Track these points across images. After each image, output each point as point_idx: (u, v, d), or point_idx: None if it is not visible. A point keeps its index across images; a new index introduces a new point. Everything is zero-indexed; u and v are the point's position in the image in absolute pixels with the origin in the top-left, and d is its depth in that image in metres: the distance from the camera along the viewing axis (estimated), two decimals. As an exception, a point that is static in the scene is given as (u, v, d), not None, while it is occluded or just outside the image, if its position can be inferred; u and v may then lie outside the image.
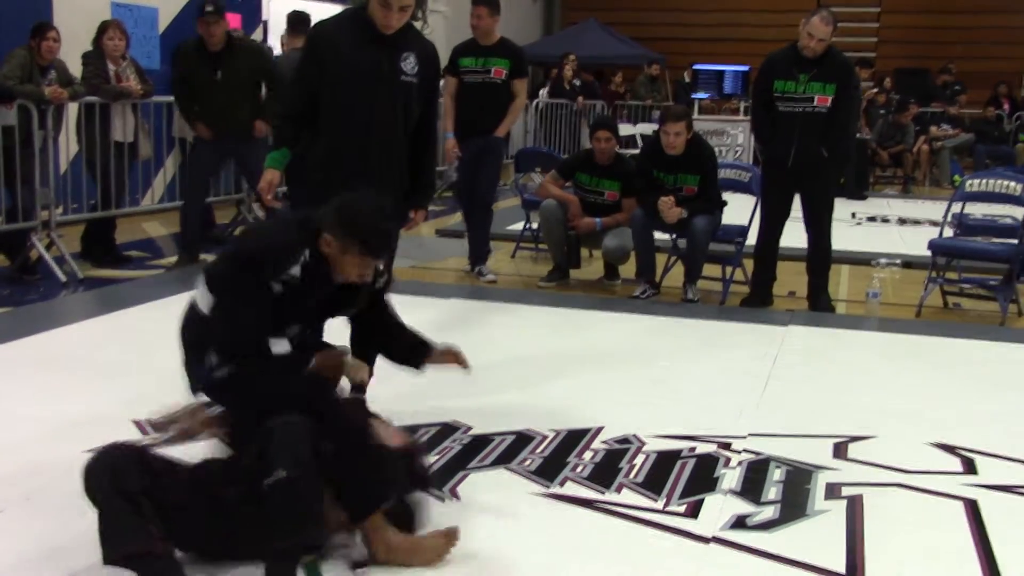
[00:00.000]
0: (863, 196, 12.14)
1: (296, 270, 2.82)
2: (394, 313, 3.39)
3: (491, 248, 7.20)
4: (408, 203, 3.80)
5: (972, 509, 3.26)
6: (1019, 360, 5.25)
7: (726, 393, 4.42)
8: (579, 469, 3.47)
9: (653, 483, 3.37)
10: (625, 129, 13.80)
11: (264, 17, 11.60)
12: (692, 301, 6.27)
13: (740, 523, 3.09)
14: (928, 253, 6.49)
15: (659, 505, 3.20)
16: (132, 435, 3.66)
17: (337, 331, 3.92)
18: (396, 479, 2.84)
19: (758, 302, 6.27)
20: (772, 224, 6.17)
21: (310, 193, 3.72)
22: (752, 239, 6.37)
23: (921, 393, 4.57)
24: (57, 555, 2.76)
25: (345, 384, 3.20)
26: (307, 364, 2.96)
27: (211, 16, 6.64)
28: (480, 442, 3.70)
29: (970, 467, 3.64)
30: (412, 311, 5.50)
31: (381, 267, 3.13)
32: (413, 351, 3.36)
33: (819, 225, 6.10)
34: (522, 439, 3.74)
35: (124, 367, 4.49)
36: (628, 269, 6.83)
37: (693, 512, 3.16)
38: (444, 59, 7.15)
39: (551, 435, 3.79)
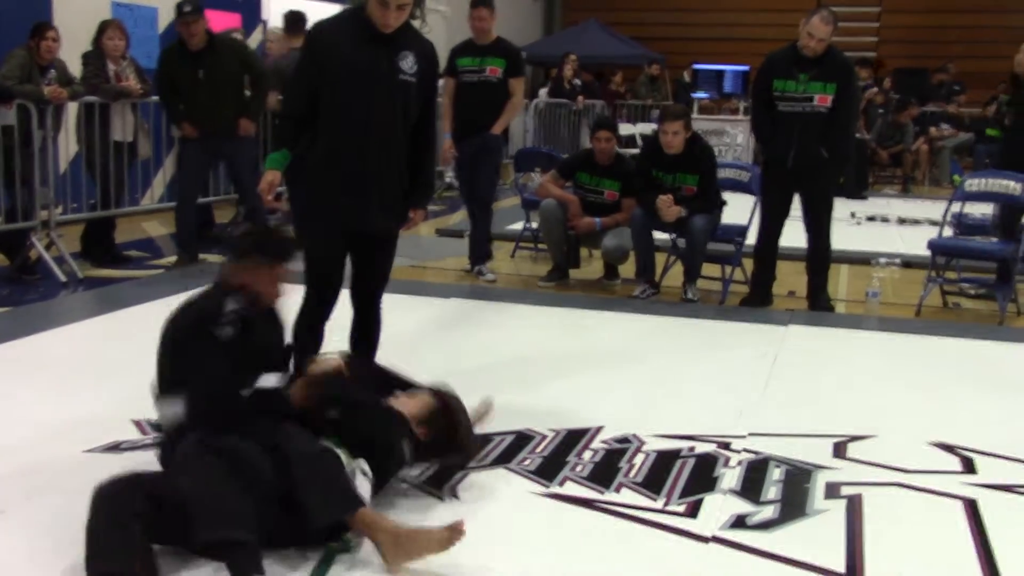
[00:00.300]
0: (863, 196, 12.14)
1: (231, 305, 2.93)
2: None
3: (491, 251, 7.19)
4: (407, 202, 3.78)
5: (971, 508, 3.26)
6: (1018, 359, 5.25)
7: (726, 393, 4.42)
8: (579, 469, 3.48)
9: (653, 483, 3.37)
10: (625, 129, 13.82)
11: (264, 17, 11.60)
12: (692, 301, 6.27)
13: (740, 522, 3.09)
14: (927, 253, 6.49)
15: (659, 505, 3.20)
16: (132, 435, 3.66)
17: (337, 330, 3.93)
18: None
19: (758, 302, 6.27)
20: (772, 224, 6.16)
21: (309, 193, 3.73)
22: (752, 239, 6.37)
23: (921, 393, 4.57)
24: (57, 555, 2.76)
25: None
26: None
27: (189, 16, 6.64)
28: (480, 442, 3.69)
29: (969, 466, 3.65)
30: (412, 311, 5.54)
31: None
32: None
33: (819, 225, 6.09)
34: (522, 439, 3.74)
35: (124, 367, 4.47)
36: (628, 269, 6.83)
37: (693, 512, 3.16)
38: (443, 59, 7.20)
39: (551, 435, 3.79)
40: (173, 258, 7.18)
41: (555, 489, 3.30)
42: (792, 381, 4.66)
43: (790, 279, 6.52)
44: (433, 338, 5.23)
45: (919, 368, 5.01)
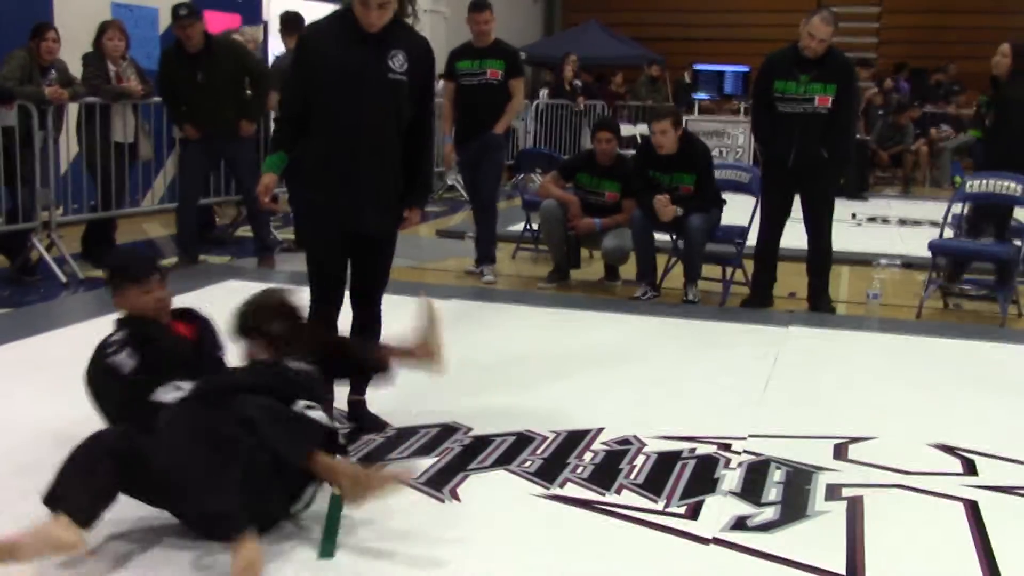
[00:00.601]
0: (863, 197, 12.14)
1: (118, 336, 3.16)
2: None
3: (495, 255, 7.20)
4: (403, 202, 3.76)
5: (972, 510, 3.26)
6: (1019, 361, 5.25)
7: (726, 394, 4.42)
8: (579, 470, 3.47)
9: (653, 484, 3.37)
10: (626, 130, 13.80)
11: (264, 17, 11.60)
12: (692, 302, 6.27)
13: (740, 524, 3.09)
14: (928, 254, 6.49)
15: (659, 506, 3.20)
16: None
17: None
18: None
19: (758, 303, 6.27)
20: (772, 225, 6.16)
21: (305, 194, 3.75)
22: (752, 240, 6.37)
23: (921, 394, 4.56)
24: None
25: None
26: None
27: (186, 19, 6.66)
28: (480, 443, 3.70)
29: (970, 468, 3.64)
30: (412, 312, 5.53)
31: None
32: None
33: (819, 226, 6.09)
34: (522, 440, 3.74)
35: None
36: (628, 270, 6.83)
37: (693, 513, 3.16)
38: (443, 58, 7.21)
39: (551, 436, 3.78)
40: (174, 259, 7.17)
41: (556, 491, 3.30)
42: (793, 382, 4.66)
43: (791, 280, 6.52)
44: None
45: (920, 369, 5.01)
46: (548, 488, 3.31)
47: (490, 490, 3.30)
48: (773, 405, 4.29)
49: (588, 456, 3.61)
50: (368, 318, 3.90)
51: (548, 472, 3.44)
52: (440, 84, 12.16)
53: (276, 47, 10.29)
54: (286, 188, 3.89)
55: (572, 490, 3.31)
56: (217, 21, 10.46)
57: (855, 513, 3.20)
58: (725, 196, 6.53)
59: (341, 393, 3.80)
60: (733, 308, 6.28)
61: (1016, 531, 3.13)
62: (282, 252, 7.41)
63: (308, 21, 8.16)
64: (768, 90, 6.03)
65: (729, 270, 6.59)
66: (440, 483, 3.32)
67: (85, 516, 2.67)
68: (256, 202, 6.80)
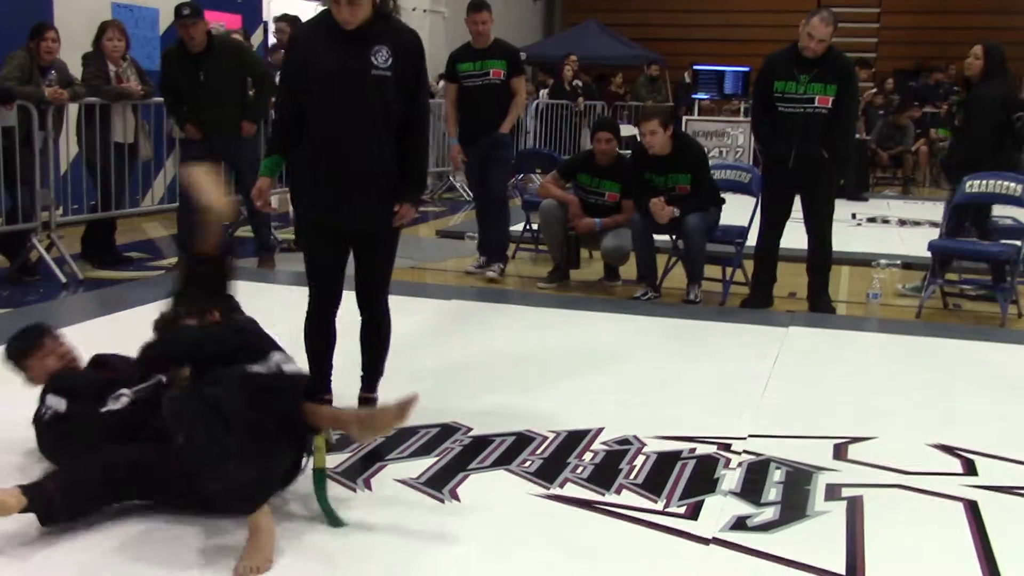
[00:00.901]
0: (863, 197, 12.14)
1: (47, 402, 3.29)
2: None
3: (507, 254, 7.23)
4: (394, 198, 3.71)
5: (972, 510, 3.26)
6: (1019, 361, 5.24)
7: (726, 394, 4.42)
8: (579, 470, 3.47)
9: (653, 484, 3.37)
10: (626, 130, 13.79)
11: (265, 18, 11.61)
12: (694, 302, 6.27)
13: (740, 524, 3.09)
14: (928, 254, 6.49)
15: (659, 506, 3.20)
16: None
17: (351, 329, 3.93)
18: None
19: (758, 303, 6.27)
20: (772, 225, 6.16)
21: (299, 194, 3.79)
22: (752, 240, 6.37)
23: (921, 394, 4.56)
24: (56, 555, 2.76)
25: None
26: None
27: (188, 19, 6.64)
28: (480, 443, 3.70)
29: (970, 468, 3.64)
30: (412, 312, 5.54)
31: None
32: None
33: (819, 226, 6.09)
34: (522, 440, 3.74)
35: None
36: (628, 270, 6.83)
37: (693, 513, 3.16)
38: (444, 59, 7.22)
39: (551, 436, 3.78)
40: (174, 259, 7.18)
41: (555, 491, 3.30)
42: (793, 382, 4.66)
43: (791, 280, 6.52)
44: (433, 339, 5.23)
45: (920, 369, 5.01)
46: (548, 488, 3.31)
47: (490, 490, 3.30)
48: (773, 405, 4.29)
49: (588, 456, 3.61)
50: (372, 318, 3.90)
51: (548, 472, 3.44)
52: (441, 84, 12.23)
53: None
54: (287, 189, 3.90)
55: (572, 490, 3.31)
56: (219, 21, 10.46)
57: (855, 513, 3.20)
58: (725, 196, 6.53)
59: (344, 391, 3.80)
60: (733, 308, 6.28)
61: (1016, 531, 3.13)
62: (282, 252, 7.41)
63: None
64: (768, 90, 6.03)
65: (729, 270, 6.59)
66: (440, 483, 3.32)
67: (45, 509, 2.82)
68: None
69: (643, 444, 3.74)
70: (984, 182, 6.52)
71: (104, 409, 3.18)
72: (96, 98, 7.06)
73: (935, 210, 9.42)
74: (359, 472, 3.36)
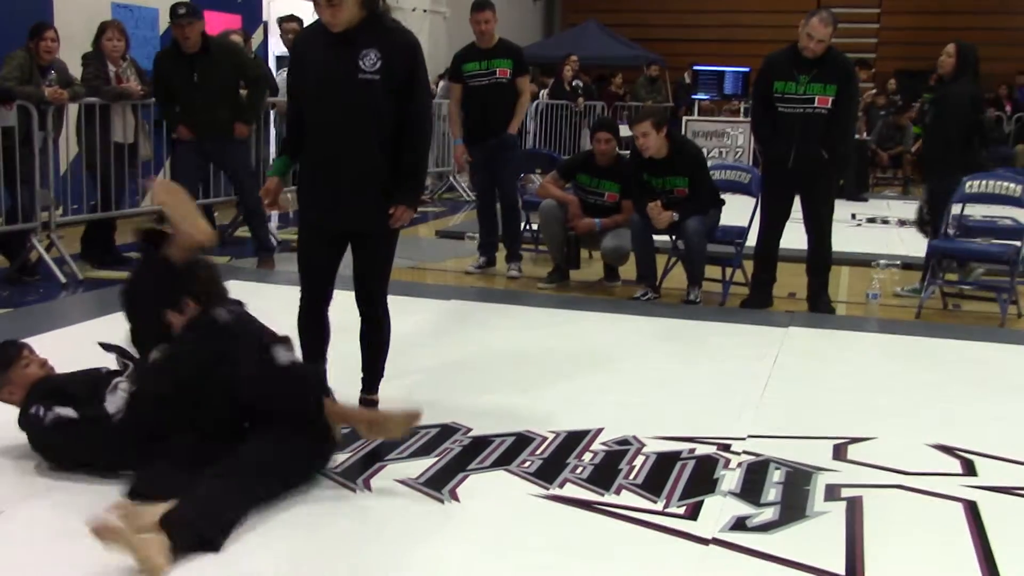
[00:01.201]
0: (863, 198, 12.14)
1: (33, 411, 3.29)
2: None
3: (520, 252, 7.27)
4: (390, 199, 3.72)
5: (971, 511, 3.26)
6: (1018, 361, 5.25)
7: (726, 394, 4.42)
8: (579, 471, 3.47)
9: (653, 485, 3.37)
10: (625, 130, 13.79)
11: (264, 18, 11.61)
12: (693, 303, 6.27)
13: (740, 524, 3.09)
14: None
15: (659, 507, 3.20)
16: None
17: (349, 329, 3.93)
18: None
19: (758, 303, 6.27)
20: (772, 225, 6.16)
21: (302, 195, 3.85)
22: (752, 240, 6.37)
23: (921, 394, 4.56)
24: (57, 555, 2.76)
25: None
26: None
27: (184, 19, 6.64)
28: (480, 443, 3.70)
29: (969, 468, 3.64)
30: (411, 312, 5.55)
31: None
32: None
33: (819, 226, 6.09)
34: (522, 440, 3.74)
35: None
36: (628, 270, 6.83)
37: (693, 514, 3.16)
38: (444, 59, 7.23)
39: (551, 436, 3.78)
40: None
41: (555, 491, 3.30)
42: (792, 383, 4.66)
43: (790, 281, 6.52)
44: (433, 340, 5.23)
45: (919, 370, 5.01)
46: (547, 488, 3.31)
47: (490, 491, 3.29)
48: (772, 405, 4.29)
49: (587, 456, 3.61)
50: (373, 317, 3.92)
51: (547, 472, 3.44)
52: (441, 85, 12.23)
53: (278, 48, 10.30)
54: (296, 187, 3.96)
55: (571, 490, 3.30)
56: (218, 22, 10.45)
57: (854, 513, 3.20)
58: (725, 197, 6.52)
59: (345, 392, 3.80)
60: (733, 308, 6.28)
61: (1015, 531, 3.12)
62: (283, 252, 7.40)
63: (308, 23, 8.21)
64: (768, 90, 6.03)
65: (729, 270, 6.59)
66: (440, 483, 3.32)
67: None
68: (252, 202, 6.82)
69: (643, 444, 3.73)
70: (984, 182, 6.52)
71: (105, 404, 3.21)
72: (96, 98, 7.06)
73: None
74: (358, 472, 3.36)
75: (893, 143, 13.64)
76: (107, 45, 7.18)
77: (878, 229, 10.00)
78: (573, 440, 3.76)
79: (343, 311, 3.90)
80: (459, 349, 5.06)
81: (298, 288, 3.87)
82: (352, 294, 3.88)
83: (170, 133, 7.12)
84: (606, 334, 5.50)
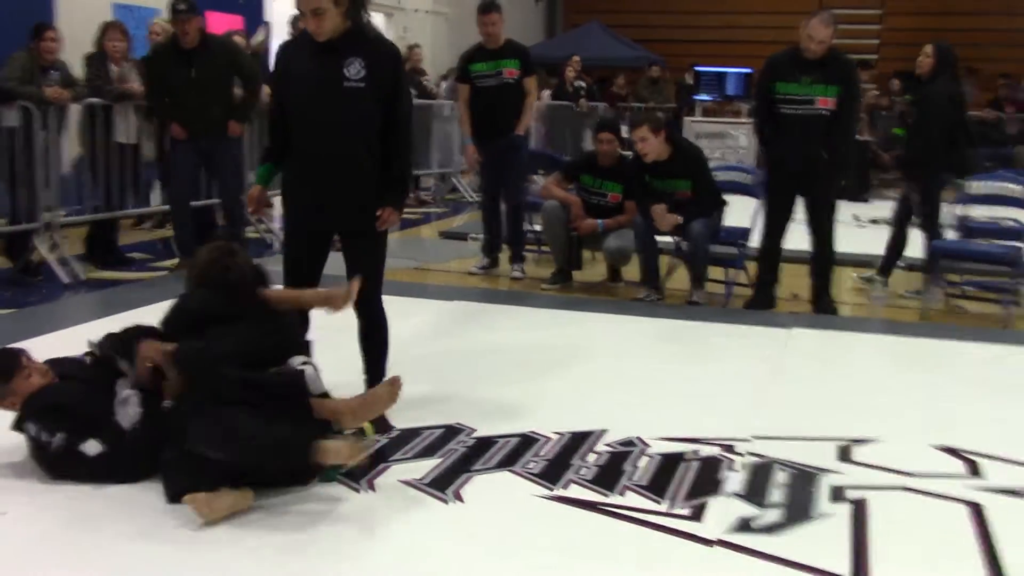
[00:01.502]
0: (864, 198, 12.13)
1: (31, 429, 3.27)
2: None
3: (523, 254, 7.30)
4: (375, 200, 3.79)
5: (976, 512, 3.26)
6: (1023, 362, 5.24)
7: (729, 396, 4.42)
8: (583, 472, 3.47)
9: (657, 486, 3.37)
10: (627, 131, 13.80)
11: (266, 18, 11.61)
12: (697, 304, 6.27)
13: (744, 526, 3.09)
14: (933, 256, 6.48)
15: (663, 508, 3.20)
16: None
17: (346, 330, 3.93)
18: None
19: (761, 304, 6.26)
20: (775, 226, 6.16)
21: (288, 197, 3.95)
22: (755, 241, 6.37)
23: (925, 395, 4.56)
24: (60, 556, 2.76)
25: None
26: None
27: (183, 14, 6.61)
28: (484, 444, 3.69)
29: (974, 470, 3.64)
30: (415, 313, 5.55)
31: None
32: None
33: (822, 227, 6.09)
34: (526, 441, 3.73)
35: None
36: (630, 271, 6.82)
37: (697, 515, 3.16)
38: (447, 60, 7.24)
39: (555, 437, 3.78)
40: (175, 260, 7.17)
41: (559, 492, 3.29)
42: (796, 384, 4.66)
43: (793, 282, 6.51)
44: (436, 340, 5.23)
45: (923, 371, 5.01)
46: (552, 489, 3.31)
47: (494, 491, 3.29)
48: (776, 407, 4.29)
49: (592, 457, 3.61)
50: (366, 318, 3.94)
51: (552, 473, 3.44)
52: (443, 86, 12.22)
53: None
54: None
55: (576, 491, 3.30)
56: (220, 22, 10.48)
57: (859, 515, 3.19)
58: (727, 198, 6.52)
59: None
60: (736, 309, 6.28)
61: (1020, 533, 3.12)
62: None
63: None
64: (770, 92, 6.03)
65: (732, 271, 6.58)
66: (444, 484, 3.31)
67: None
68: (232, 204, 6.80)
69: (647, 445, 3.73)
70: (986, 183, 6.52)
71: (117, 419, 3.22)
72: (98, 99, 7.05)
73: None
74: (363, 473, 3.36)
75: (894, 144, 13.62)
76: (109, 46, 7.18)
77: (881, 230, 9.94)
78: (577, 441, 3.75)
79: (344, 314, 3.89)
80: (462, 350, 5.05)
81: None
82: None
83: (162, 127, 7.05)
84: (610, 335, 5.49)
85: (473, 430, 3.83)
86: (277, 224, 8.47)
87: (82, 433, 3.17)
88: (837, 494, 3.36)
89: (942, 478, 3.53)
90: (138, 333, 3.42)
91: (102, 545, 2.82)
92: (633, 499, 3.26)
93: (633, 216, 6.42)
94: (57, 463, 3.20)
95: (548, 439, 3.76)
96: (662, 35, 18.92)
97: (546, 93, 14.29)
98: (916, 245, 6.82)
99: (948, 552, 2.99)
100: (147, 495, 3.11)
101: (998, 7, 17.89)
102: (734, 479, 3.45)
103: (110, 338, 3.46)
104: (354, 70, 3.67)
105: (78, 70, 7.21)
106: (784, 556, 2.89)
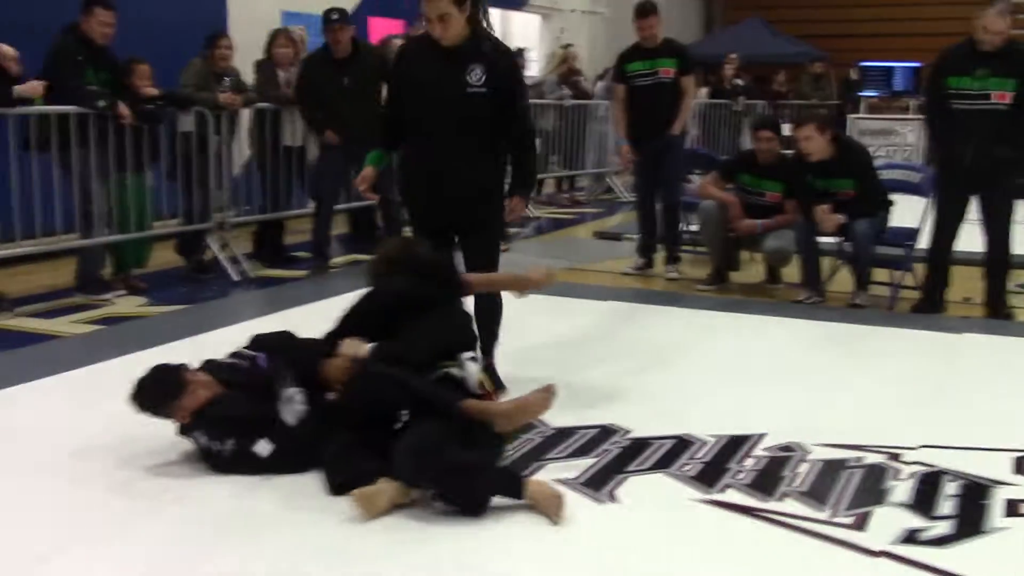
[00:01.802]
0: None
1: (201, 440, 3.41)
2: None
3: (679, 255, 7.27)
4: (491, 195, 4.10)
5: None
6: None
7: (896, 402, 4.26)
8: (740, 476, 3.40)
9: (818, 493, 3.27)
10: (787, 129, 13.48)
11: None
12: (860, 307, 6.07)
13: (911, 538, 2.97)
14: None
15: (824, 516, 3.10)
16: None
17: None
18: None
19: (930, 308, 6.02)
20: (946, 227, 5.91)
21: (406, 191, 4.27)
22: (924, 242, 6.12)
23: (1110, 406, 4.29)
24: (227, 545, 2.87)
25: None
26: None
27: (337, 23, 6.82)
28: (639, 446, 3.66)
29: None
30: (570, 313, 5.56)
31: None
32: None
33: (997, 228, 5.81)
34: (682, 444, 3.69)
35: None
36: (790, 272, 6.66)
37: (860, 524, 3.05)
38: (603, 60, 7.22)
39: (711, 441, 3.72)
40: (339, 259, 7.35)
41: (716, 496, 3.24)
42: (967, 392, 4.45)
43: (965, 284, 6.23)
44: (590, 341, 5.22)
45: (1108, 380, 4.71)
46: (708, 493, 3.26)
47: (648, 493, 3.26)
48: (946, 415, 4.10)
49: (750, 462, 3.53)
50: (483, 306, 4.17)
51: (708, 477, 3.38)
52: (599, 86, 12.20)
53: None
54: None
55: (733, 496, 3.24)
56: (382, 27, 10.73)
57: (1037, 531, 3.03)
58: (894, 197, 6.29)
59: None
60: (903, 314, 6.04)
61: None
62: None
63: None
64: (942, 87, 5.78)
65: (898, 274, 6.34)
66: (598, 484, 3.30)
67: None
68: (390, 206, 6.91)
69: (807, 451, 3.63)
70: None
71: (284, 417, 3.33)
72: (267, 103, 7.31)
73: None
74: (517, 470, 3.37)
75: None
76: (278, 52, 7.44)
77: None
78: (735, 445, 3.68)
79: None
80: (616, 351, 5.03)
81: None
82: None
83: (318, 136, 7.23)
84: (768, 338, 5.38)
85: (628, 431, 3.81)
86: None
87: (252, 436, 3.29)
88: (1012, 508, 3.19)
89: None
90: (301, 356, 3.57)
91: (264, 536, 2.92)
92: (792, 506, 3.17)
93: (793, 216, 6.27)
94: (229, 465, 3.32)
95: (704, 442, 3.71)
96: (825, 30, 18.38)
97: (703, 91, 14.11)
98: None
99: None
100: (311, 485, 3.22)
101: None
102: (900, 488, 3.32)
103: (272, 359, 3.54)
104: (476, 76, 3.90)
105: (249, 76, 7.49)
106: (954, 571, 2.76)
